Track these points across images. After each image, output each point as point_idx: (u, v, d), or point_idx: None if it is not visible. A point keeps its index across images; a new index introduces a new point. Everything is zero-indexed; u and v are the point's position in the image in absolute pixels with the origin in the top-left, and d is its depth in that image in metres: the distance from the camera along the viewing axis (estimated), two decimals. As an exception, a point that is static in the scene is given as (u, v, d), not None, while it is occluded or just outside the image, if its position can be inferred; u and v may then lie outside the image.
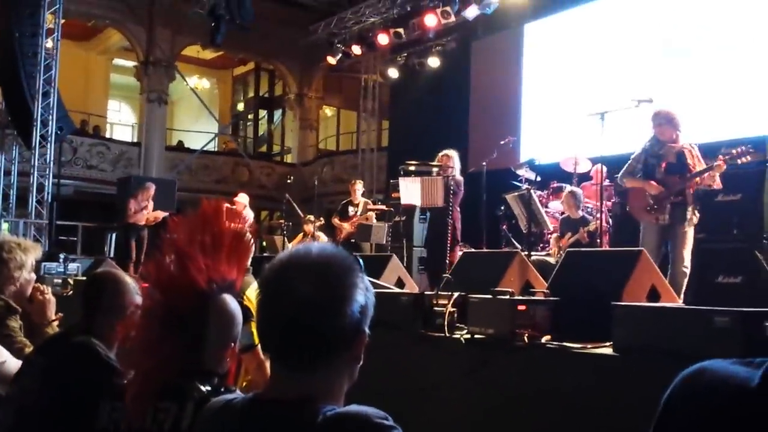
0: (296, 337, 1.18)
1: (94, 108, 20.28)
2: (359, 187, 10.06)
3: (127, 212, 10.48)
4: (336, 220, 10.03)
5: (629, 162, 5.86)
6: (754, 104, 8.05)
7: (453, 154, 7.30)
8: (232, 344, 1.76)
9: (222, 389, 1.60)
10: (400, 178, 7.51)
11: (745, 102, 8.16)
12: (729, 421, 0.72)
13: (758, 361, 0.74)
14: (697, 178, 5.46)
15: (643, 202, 5.69)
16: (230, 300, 1.75)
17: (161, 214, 10.47)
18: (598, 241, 6.54)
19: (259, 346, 3.16)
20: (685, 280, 5.30)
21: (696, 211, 5.56)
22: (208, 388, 1.59)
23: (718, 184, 5.46)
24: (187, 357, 1.65)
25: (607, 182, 7.32)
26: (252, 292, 3.30)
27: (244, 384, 3.28)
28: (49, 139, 11.61)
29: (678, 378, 0.81)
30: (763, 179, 6.10)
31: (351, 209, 9.83)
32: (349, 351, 1.22)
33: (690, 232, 5.54)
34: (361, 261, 1.26)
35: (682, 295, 5.24)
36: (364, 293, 1.22)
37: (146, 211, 10.61)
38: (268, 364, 3.08)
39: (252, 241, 1.80)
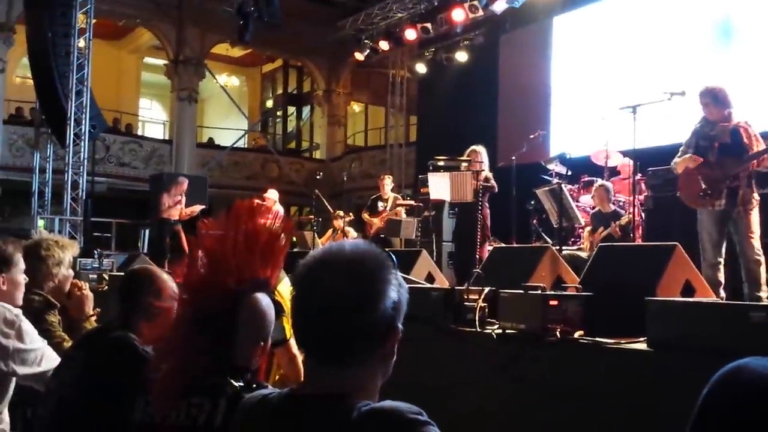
0: (330, 332, 1.19)
1: (126, 106, 20.55)
2: (388, 182, 10.06)
3: (161, 207, 10.41)
4: (366, 216, 10.04)
5: (681, 148, 5.51)
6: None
7: (481, 149, 7.25)
8: (263, 342, 1.76)
9: (254, 385, 1.61)
10: (429, 174, 7.50)
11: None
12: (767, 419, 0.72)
13: (798, 359, 0.74)
14: (755, 160, 5.10)
15: (695, 187, 5.26)
16: (262, 298, 1.76)
17: (198, 208, 10.39)
18: (631, 235, 6.48)
19: (291, 341, 3.20)
20: (762, 270, 5.08)
21: (756, 194, 5.18)
22: (241, 383, 1.61)
23: None
24: (218, 354, 1.67)
25: (638, 176, 7.24)
26: (283, 287, 3.32)
27: (277, 378, 3.31)
28: (83, 137, 11.80)
29: (716, 376, 0.81)
30: (799, 173, 6.00)
31: (380, 204, 9.84)
32: (383, 347, 1.23)
33: (755, 217, 5.15)
34: (394, 257, 1.26)
35: (765, 287, 5.08)
36: (397, 289, 1.23)
37: (180, 206, 10.50)
38: (300, 359, 3.12)
39: (286, 238, 1.81)
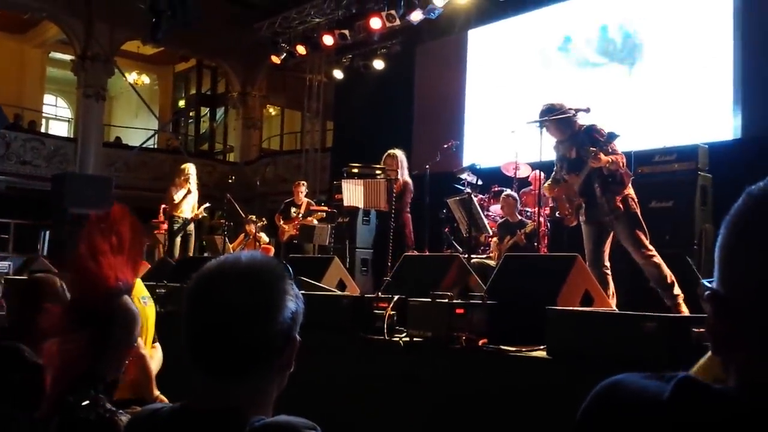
0: (227, 345, 1.18)
1: (29, 102, 19.66)
2: (303, 189, 10.00)
3: (171, 202, 9.26)
4: (279, 221, 9.94)
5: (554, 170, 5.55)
6: (687, 114, 8.33)
7: (398, 153, 7.25)
8: (132, 345, 1.77)
9: (94, 395, 1.56)
10: (342, 181, 7.50)
11: (679, 112, 8.45)
12: None
13: (669, 376, 0.78)
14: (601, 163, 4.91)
15: (563, 210, 5.37)
16: (131, 302, 1.76)
17: (202, 209, 9.46)
18: (536, 244, 6.67)
19: (139, 341, 3.15)
20: (661, 269, 4.92)
21: (622, 197, 5.00)
22: (83, 395, 1.55)
23: (609, 160, 4.89)
24: (91, 356, 1.61)
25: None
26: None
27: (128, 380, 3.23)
28: (-20, 133, 11.21)
29: (593, 392, 0.84)
30: (694, 187, 6.32)
31: (293, 210, 9.76)
32: (280, 358, 1.22)
33: (630, 222, 5.00)
34: (290, 268, 1.26)
35: (675, 286, 4.88)
36: (294, 300, 1.23)
37: (191, 197, 9.24)
38: (148, 360, 3.06)
39: (142, 247, 1.84)
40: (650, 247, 4.99)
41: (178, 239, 9.31)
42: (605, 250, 5.17)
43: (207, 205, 9.80)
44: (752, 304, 0.75)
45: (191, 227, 9.45)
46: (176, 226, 9.28)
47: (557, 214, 5.63)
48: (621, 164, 5.01)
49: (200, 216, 9.71)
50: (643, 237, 4.98)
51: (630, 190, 5.13)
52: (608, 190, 5.04)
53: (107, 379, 1.66)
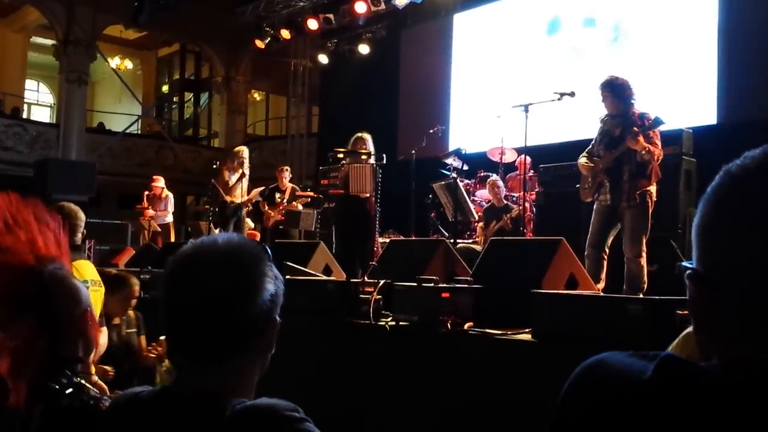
0: (206, 330, 1.16)
1: (11, 87, 19.42)
2: (287, 174, 9.96)
3: (224, 186, 8.87)
4: (264, 207, 9.89)
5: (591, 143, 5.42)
6: (671, 99, 8.35)
7: (367, 136, 7.18)
8: (86, 312, 1.61)
9: (77, 383, 1.50)
10: (350, 165, 7.33)
11: (663, 96, 8.46)
12: (623, 412, 0.75)
13: (652, 354, 0.78)
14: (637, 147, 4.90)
15: (585, 183, 5.30)
16: (66, 272, 1.62)
17: (256, 192, 9.17)
18: (522, 228, 6.69)
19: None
20: (640, 272, 4.94)
21: (647, 190, 5.01)
22: (63, 381, 1.51)
23: (647, 147, 4.91)
24: (48, 339, 1.52)
25: (531, 173, 7.49)
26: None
27: None
28: (-40, 118, 11.06)
29: (576, 370, 0.84)
30: (678, 171, 6.36)
31: (278, 196, 9.73)
32: (261, 341, 1.21)
33: (639, 214, 4.98)
34: (269, 249, 1.25)
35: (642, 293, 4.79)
36: (273, 281, 1.21)
37: (245, 181, 8.89)
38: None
39: (58, 221, 1.71)
40: (644, 248, 5.00)
41: (232, 225, 9.02)
42: (611, 235, 5.15)
43: (261, 188, 9.51)
44: (732, 280, 0.75)
45: (243, 212, 9.18)
46: (228, 211, 8.97)
47: (577, 186, 5.54)
48: (656, 158, 4.98)
49: (253, 200, 9.37)
50: (643, 237, 4.99)
51: (653, 188, 5.08)
52: (634, 178, 4.99)
53: (83, 359, 1.61)
